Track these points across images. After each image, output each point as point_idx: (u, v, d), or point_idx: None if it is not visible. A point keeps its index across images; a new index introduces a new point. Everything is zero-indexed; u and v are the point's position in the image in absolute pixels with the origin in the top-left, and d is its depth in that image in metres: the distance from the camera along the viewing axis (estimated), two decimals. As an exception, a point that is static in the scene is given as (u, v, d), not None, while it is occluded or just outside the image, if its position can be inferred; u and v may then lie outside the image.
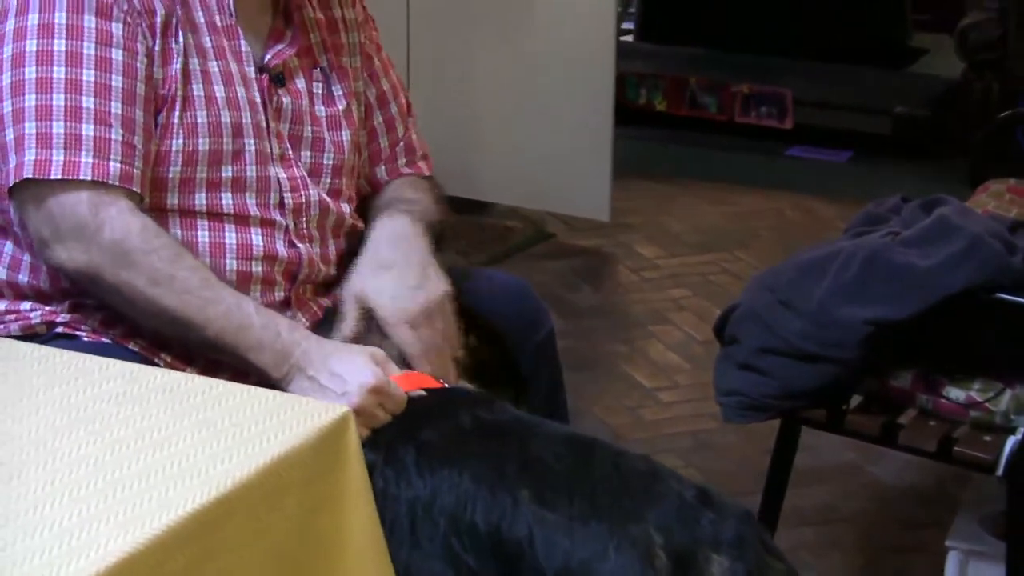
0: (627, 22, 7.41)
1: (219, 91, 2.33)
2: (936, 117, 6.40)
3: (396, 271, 2.40)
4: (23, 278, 2.32)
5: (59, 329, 2.29)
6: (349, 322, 2.35)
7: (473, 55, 5.37)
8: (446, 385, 2.29)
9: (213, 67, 2.33)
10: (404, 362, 2.32)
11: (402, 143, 2.63)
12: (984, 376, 2.89)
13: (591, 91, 5.26)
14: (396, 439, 2.10)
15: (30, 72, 2.20)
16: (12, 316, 2.32)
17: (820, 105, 6.59)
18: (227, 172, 2.33)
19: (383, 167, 2.62)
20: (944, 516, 3.39)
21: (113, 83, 2.22)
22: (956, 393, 2.89)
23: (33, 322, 2.31)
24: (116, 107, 2.21)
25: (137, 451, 1.69)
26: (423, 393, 2.21)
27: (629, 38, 7.39)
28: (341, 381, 2.12)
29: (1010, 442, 2.83)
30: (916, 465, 3.72)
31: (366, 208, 2.58)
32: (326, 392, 2.10)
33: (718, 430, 3.92)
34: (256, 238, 2.35)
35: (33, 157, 2.17)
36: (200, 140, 2.30)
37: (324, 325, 2.39)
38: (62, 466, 1.65)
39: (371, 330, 2.35)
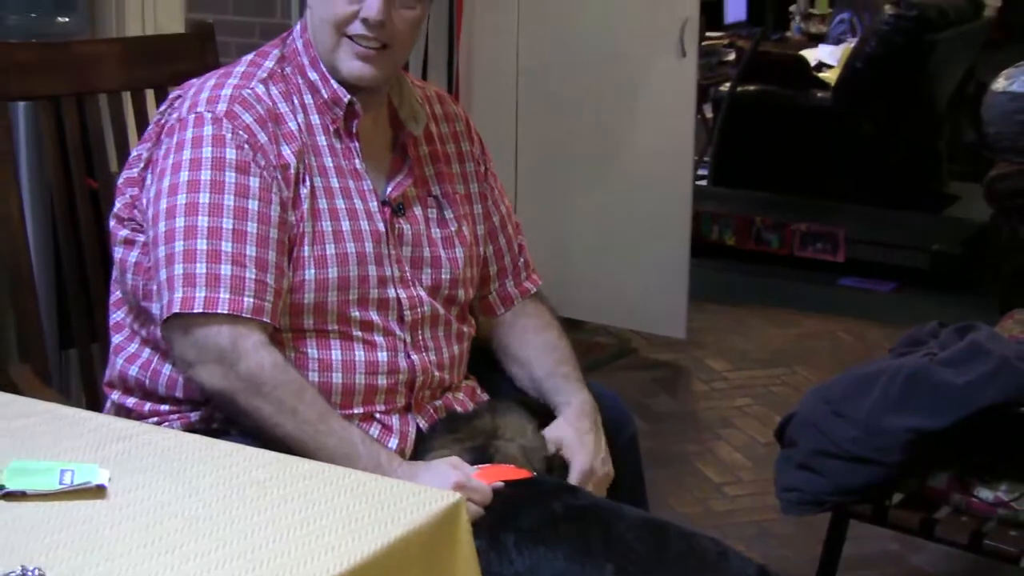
0: (702, 169, 7.45)
1: (345, 226, 2.35)
2: (968, 254, 6.36)
3: (593, 444, 2.45)
4: (179, 394, 2.37)
5: (215, 425, 2.32)
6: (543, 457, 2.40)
7: (570, 195, 5.40)
8: (534, 474, 2.31)
9: (340, 204, 2.36)
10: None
11: (522, 259, 2.67)
12: (1010, 479, 2.85)
13: (671, 227, 5.27)
14: (497, 526, 2.11)
15: (180, 221, 2.24)
16: (176, 415, 2.37)
17: (869, 242, 6.57)
18: (353, 295, 2.35)
19: (510, 281, 2.65)
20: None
21: (248, 229, 2.25)
22: (986, 493, 2.86)
23: (192, 420, 2.36)
24: (251, 250, 2.24)
25: (276, 532, 1.68)
26: (502, 484, 2.22)
27: (704, 183, 7.43)
28: None
29: (1034, 537, 2.79)
30: (952, 556, 3.65)
31: (497, 326, 2.64)
32: None
33: (777, 521, 3.87)
34: (381, 355, 2.37)
35: (180, 295, 2.21)
36: (329, 269, 2.33)
37: (439, 428, 2.40)
38: (209, 544, 1.64)
39: (552, 468, 2.39)
